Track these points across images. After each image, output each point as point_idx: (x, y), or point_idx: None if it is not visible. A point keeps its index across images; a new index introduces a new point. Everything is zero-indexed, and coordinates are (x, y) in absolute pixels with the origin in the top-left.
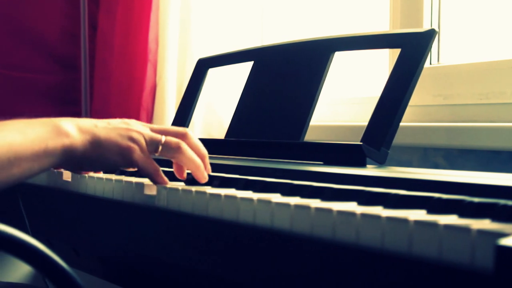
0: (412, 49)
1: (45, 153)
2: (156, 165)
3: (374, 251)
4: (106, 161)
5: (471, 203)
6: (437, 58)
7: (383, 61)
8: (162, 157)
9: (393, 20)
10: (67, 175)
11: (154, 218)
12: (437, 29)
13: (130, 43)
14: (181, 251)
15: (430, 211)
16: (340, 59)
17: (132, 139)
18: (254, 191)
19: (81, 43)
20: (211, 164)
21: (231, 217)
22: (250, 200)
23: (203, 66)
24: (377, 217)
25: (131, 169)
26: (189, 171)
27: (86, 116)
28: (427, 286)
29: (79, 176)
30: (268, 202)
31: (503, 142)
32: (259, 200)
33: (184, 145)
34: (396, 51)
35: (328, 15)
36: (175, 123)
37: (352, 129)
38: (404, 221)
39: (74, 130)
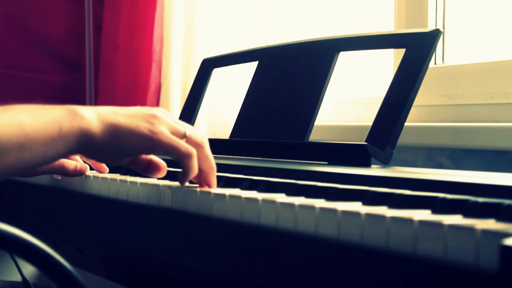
0: (417, 49)
1: (60, 136)
2: (188, 147)
3: (379, 251)
4: (126, 147)
5: (476, 203)
6: (442, 58)
7: (388, 61)
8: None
9: (398, 20)
10: None
11: (159, 218)
12: (442, 29)
13: (135, 43)
14: (185, 251)
15: (435, 211)
16: (344, 59)
17: (154, 125)
18: (258, 191)
19: (86, 43)
20: (216, 164)
21: (236, 217)
22: (254, 200)
23: (208, 66)
24: (381, 217)
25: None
26: None
27: None
28: (432, 286)
29: (83, 175)
30: (273, 202)
31: (508, 142)
32: (264, 200)
33: (206, 143)
34: (401, 51)
35: (333, 15)
36: None
37: (356, 129)
38: (409, 221)
39: (91, 114)
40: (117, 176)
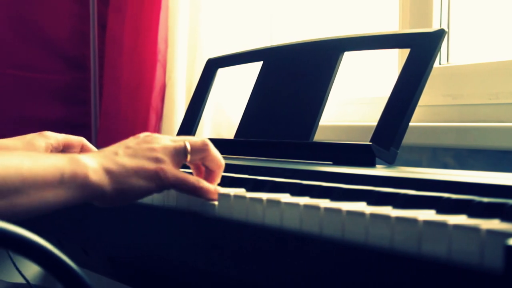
0: (422, 49)
1: (61, 183)
2: (193, 177)
3: (383, 251)
4: (136, 191)
5: (480, 203)
6: (447, 58)
7: (393, 61)
8: (192, 164)
9: (403, 20)
10: None
11: (163, 218)
12: (446, 29)
13: (140, 43)
14: (190, 251)
15: (440, 211)
16: (349, 59)
17: (158, 160)
18: (263, 191)
19: (91, 43)
20: None
21: (241, 217)
22: (259, 200)
23: (212, 66)
24: (386, 217)
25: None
26: None
27: (95, 115)
28: (436, 286)
29: None
30: (278, 202)
31: None
32: (269, 200)
33: (210, 143)
34: (406, 51)
35: (337, 15)
36: (184, 123)
37: (361, 129)
38: (414, 221)
39: (96, 166)
40: None
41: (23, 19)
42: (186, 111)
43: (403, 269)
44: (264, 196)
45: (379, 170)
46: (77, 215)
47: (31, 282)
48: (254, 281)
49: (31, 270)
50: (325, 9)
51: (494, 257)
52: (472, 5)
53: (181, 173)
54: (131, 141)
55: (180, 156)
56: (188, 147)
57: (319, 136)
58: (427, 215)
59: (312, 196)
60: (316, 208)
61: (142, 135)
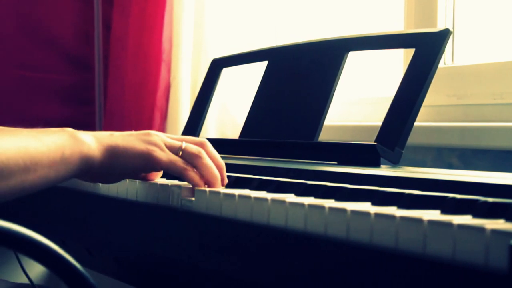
0: (427, 49)
1: (62, 160)
2: (184, 162)
3: (388, 251)
4: (126, 168)
5: (485, 203)
6: (452, 58)
7: (397, 61)
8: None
9: (408, 20)
10: None
11: (168, 218)
12: (451, 29)
13: (144, 42)
14: (195, 251)
15: (444, 211)
16: (354, 59)
17: (151, 143)
18: (268, 191)
19: (95, 43)
20: (226, 164)
21: (245, 217)
22: (264, 200)
23: (217, 66)
24: (391, 217)
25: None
26: None
27: (100, 115)
28: (441, 286)
29: None
30: (282, 202)
31: None
32: (273, 200)
33: (204, 153)
34: (411, 51)
35: (342, 15)
36: (189, 123)
37: (366, 129)
38: (418, 221)
39: (90, 139)
40: None
41: (27, 19)
42: (191, 111)
43: (408, 269)
44: (269, 196)
45: (384, 170)
46: (81, 215)
47: (35, 282)
48: (260, 281)
49: (36, 270)
50: (330, 9)
51: (499, 257)
52: (477, 5)
53: (173, 155)
54: (130, 131)
55: (172, 152)
56: (183, 146)
57: (324, 136)
58: (432, 215)
59: (317, 196)
60: (321, 208)
61: (144, 131)
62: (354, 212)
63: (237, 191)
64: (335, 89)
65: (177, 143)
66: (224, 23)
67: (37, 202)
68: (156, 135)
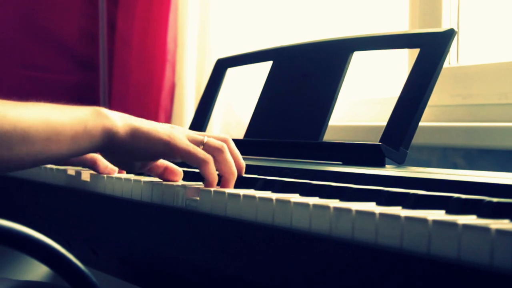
0: (431, 49)
1: (85, 132)
2: (205, 154)
3: (393, 251)
4: (145, 149)
5: (490, 203)
6: (456, 58)
7: (402, 61)
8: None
9: (412, 20)
10: (85, 175)
11: (173, 218)
12: (456, 29)
13: (149, 42)
14: (199, 251)
15: (449, 211)
16: (359, 59)
17: (173, 132)
18: (272, 191)
19: (100, 43)
20: None
21: (250, 217)
22: (269, 200)
23: (222, 66)
24: (396, 217)
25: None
26: None
27: None
28: (446, 286)
29: (97, 176)
30: (287, 202)
31: None
32: (278, 200)
33: (226, 148)
34: (415, 51)
35: (347, 15)
36: (194, 123)
37: (371, 129)
38: (423, 221)
39: (116, 116)
40: (131, 176)
41: (32, 19)
42: (195, 111)
43: (413, 269)
44: (274, 196)
45: (389, 170)
46: (86, 215)
47: (41, 280)
48: (264, 281)
49: (41, 269)
50: (335, 9)
51: (504, 257)
52: (481, 5)
53: (193, 145)
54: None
55: (195, 143)
56: (205, 140)
57: (329, 136)
58: (437, 215)
59: (322, 196)
60: (325, 208)
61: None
62: (359, 212)
63: (242, 191)
64: (340, 89)
65: (199, 137)
66: (228, 22)
67: (41, 201)
68: (179, 129)
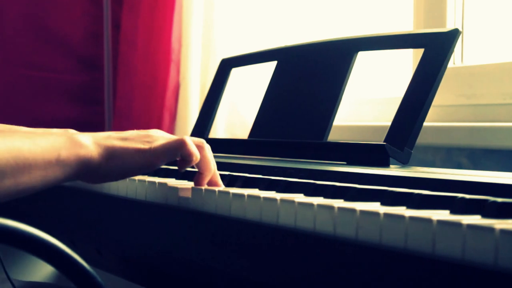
0: (436, 49)
1: (58, 162)
2: (181, 137)
3: (397, 251)
4: (124, 168)
5: (495, 203)
6: (461, 58)
7: (407, 61)
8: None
9: (417, 20)
10: None
11: (178, 218)
12: (460, 29)
13: (153, 42)
14: (204, 251)
15: (454, 211)
16: (363, 59)
17: (149, 140)
18: (277, 191)
19: (104, 43)
20: (235, 164)
21: (254, 217)
22: (273, 200)
23: (226, 66)
24: (400, 217)
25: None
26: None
27: (109, 115)
28: (450, 286)
29: None
30: (291, 202)
31: None
32: (282, 200)
33: (206, 145)
34: (420, 51)
35: (352, 15)
36: (198, 123)
37: (375, 129)
38: (428, 221)
39: (88, 141)
40: (136, 176)
41: (37, 19)
42: (200, 111)
43: (417, 269)
44: (278, 196)
45: (393, 170)
46: (91, 215)
47: (45, 281)
48: (269, 281)
49: (45, 270)
50: (339, 9)
51: (509, 257)
52: (486, 5)
53: (166, 141)
54: (129, 131)
55: (172, 148)
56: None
57: (333, 136)
58: (441, 215)
59: (326, 196)
60: (330, 208)
61: (144, 130)
62: (363, 212)
63: (246, 191)
64: (344, 89)
65: (177, 138)
66: (233, 22)
67: (47, 202)
68: (155, 136)
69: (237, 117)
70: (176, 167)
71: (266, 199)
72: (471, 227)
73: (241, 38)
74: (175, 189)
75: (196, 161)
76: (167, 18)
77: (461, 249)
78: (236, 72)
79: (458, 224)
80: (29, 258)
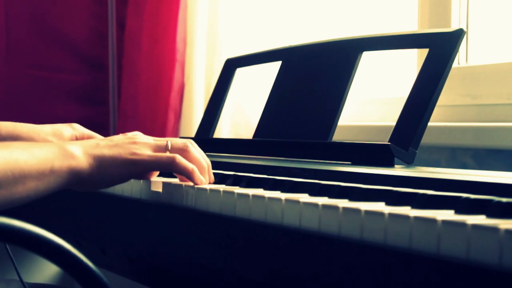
0: (440, 49)
1: (51, 173)
2: (170, 156)
3: (402, 251)
4: (113, 176)
5: (499, 203)
6: (466, 58)
7: (411, 61)
8: None
9: (421, 20)
10: None
11: (182, 218)
12: (465, 29)
13: (158, 42)
14: (209, 251)
15: (458, 211)
16: (368, 59)
17: (135, 148)
18: (282, 191)
19: (109, 43)
20: (240, 164)
21: (259, 217)
22: (278, 200)
23: (231, 66)
24: (405, 217)
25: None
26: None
27: (114, 115)
28: (455, 286)
29: None
30: (296, 202)
31: None
32: (287, 200)
33: (191, 146)
34: (424, 51)
35: (356, 15)
36: (203, 123)
37: (380, 129)
38: (432, 221)
39: (79, 151)
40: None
41: (41, 19)
42: (204, 111)
43: (422, 269)
44: (283, 196)
45: (398, 170)
46: (95, 216)
47: (50, 283)
48: (272, 281)
49: (50, 271)
50: (344, 9)
51: None
52: (491, 5)
53: (155, 154)
54: (116, 136)
55: (162, 163)
56: (169, 145)
57: (338, 136)
58: (446, 215)
59: (331, 196)
60: (334, 208)
61: (130, 133)
62: (368, 212)
63: (251, 191)
64: (349, 89)
65: (162, 142)
66: (238, 22)
67: (51, 203)
68: (141, 142)
69: (241, 117)
70: None
71: (271, 199)
72: (475, 227)
73: (246, 38)
74: (180, 188)
75: (193, 171)
76: (172, 18)
77: (466, 249)
78: (241, 72)
79: (462, 224)
80: (33, 260)
